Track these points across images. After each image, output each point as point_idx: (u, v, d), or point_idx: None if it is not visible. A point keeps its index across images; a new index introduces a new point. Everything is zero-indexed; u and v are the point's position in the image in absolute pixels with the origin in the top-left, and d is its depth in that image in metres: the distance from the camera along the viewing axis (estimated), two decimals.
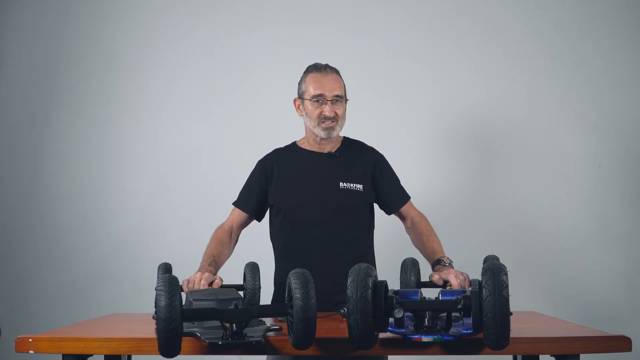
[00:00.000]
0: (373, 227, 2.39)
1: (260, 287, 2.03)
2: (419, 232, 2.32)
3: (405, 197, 2.39)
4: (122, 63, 3.34)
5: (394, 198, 2.38)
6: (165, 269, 2.13)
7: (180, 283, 2.00)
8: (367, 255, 2.35)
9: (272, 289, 2.34)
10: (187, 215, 3.25)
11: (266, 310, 1.62)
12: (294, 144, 2.42)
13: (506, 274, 1.46)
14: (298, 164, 2.35)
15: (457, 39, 3.25)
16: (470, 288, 1.54)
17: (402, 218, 2.40)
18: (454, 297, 1.56)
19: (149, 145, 3.31)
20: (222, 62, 3.31)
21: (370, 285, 1.49)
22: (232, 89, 3.30)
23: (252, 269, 2.05)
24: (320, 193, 2.29)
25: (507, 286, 1.44)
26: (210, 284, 1.99)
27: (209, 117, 3.31)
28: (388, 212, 2.41)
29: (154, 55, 3.33)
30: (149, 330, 1.76)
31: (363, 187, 2.31)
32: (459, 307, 1.53)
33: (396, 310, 1.51)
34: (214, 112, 3.31)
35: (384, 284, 1.56)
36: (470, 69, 3.24)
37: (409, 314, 1.61)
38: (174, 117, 3.32)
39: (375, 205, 2.40)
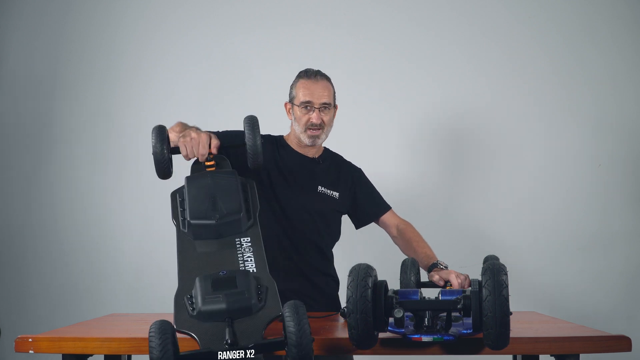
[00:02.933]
0: (338, 238, 2.43)
1: (262, 144, 1.92)
2: (408, 239, 2.34)
3: (386, 206, 2.44)
4: (122, 63, 3.33)
5: (374, 207, 2.42)
6: (159, 131, 1.98)
7: (177, 143, 1.96)
8: (330, 260, 2.39)
9: None
10: None
11: (262, 349, 1.56)
12: (282, 137, 2.45)
13: (506, 274, 1.46)
14: (282, 159, 2.37)
15: (456, 38, 3.24)
16: (470, 288, 1.54)
17: (386, 227, 2.43)
18: (454, 297, 1.56)
19: (148, 145, 3.30)
20: (224, 65, 3.31)
21: (370, 285, 1.49)
22: (233, 91, 3.30)
23: (252, 125, 1.92)
24: (298, 192, 2.32)
25: (507, 286, 1.44)
26: (211, 165, 1.93)
27: (213, 118, 3.29)
28: (361, 223, 2.43)
29: (155, 57, 3.33)
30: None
31: (339, 195, 2.36)
32: (458, 306, 1.53)
33: (396, 310, 1.51)
34: (214, 112, 3.30)
35: (383, 283, 1.56)
36: (469, 69, 3.23)
37: (408, 313, 1.61)
38: (178, 117, 3.29)
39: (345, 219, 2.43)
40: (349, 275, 1.52)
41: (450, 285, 2.03)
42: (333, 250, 2.42)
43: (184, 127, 2.13)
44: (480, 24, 3.25)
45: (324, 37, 3.25)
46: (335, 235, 2.42)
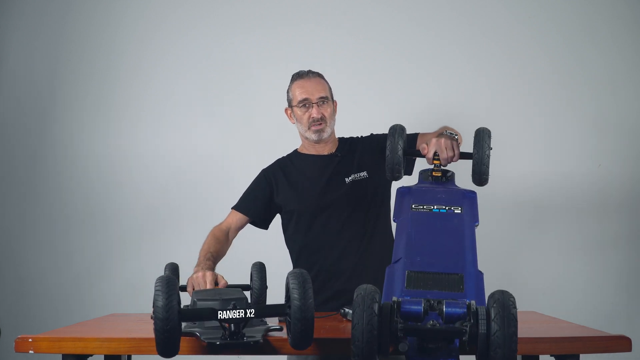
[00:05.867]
0: (389, 211, 2.37)
1: (266, 287, 2.03)
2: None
3: (412, 136, 2.31)
4: (122, 63, 3.33)
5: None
6: (172, 269, 2.13)
7: (185, 283, 2.02)
8: (385, 243, 2.33)
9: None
10: (188, 216, 3.24)
11: (264, 311, 1.62)
12: (295, 151, 2.48)
13: (515, 318, 1.37)
14: (303, 169, 2.40)
15: (456, 38, 3.24)
16: (477, 310, 1.47)
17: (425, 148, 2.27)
18: (459, 310, 1.48)
19: (150, 146, 3.31)
20: (224, 65, 3.31)
21: (376, 312, 1.43)
22: (233, 91, 3.30)
23: (259, 269, 2.04)
24: (328, 191, 2.33)
25: (516, 331, 1.38)
26: (216, 284, 1.99)
27: (213, 118, 3.31)
28: (410, 169, 2.34)
29: (155, 57, 3.33)
30: (149, 330, 1.76)
31: (367, 172, 2.35)
32: (464, 338, 1.46)
33: (401, 345, 1.45)
34: (217, 113, 3.30)
35: (389, 307, 1.49)
36: (469, 69, 3.23)
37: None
38: (178, 116, 3.31)
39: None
40: (352, 309, 1.42)
41: (438, 157, 1.98)
42: None
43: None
44: (480, 24, 3.25)
45: (324, 37, 3.25)
46: (385, 210, 2.38)
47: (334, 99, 2.41)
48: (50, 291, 3.27)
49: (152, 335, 1.50)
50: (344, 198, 2.32)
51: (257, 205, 2.39)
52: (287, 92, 2.40)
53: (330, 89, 2.39)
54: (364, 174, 2.35)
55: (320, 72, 2.39)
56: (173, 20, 3.34)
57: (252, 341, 1.56)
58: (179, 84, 3.31)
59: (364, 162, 2.38)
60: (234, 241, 2.39)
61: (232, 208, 2.41)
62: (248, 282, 2.07)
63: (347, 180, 2.34)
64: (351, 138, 2.49)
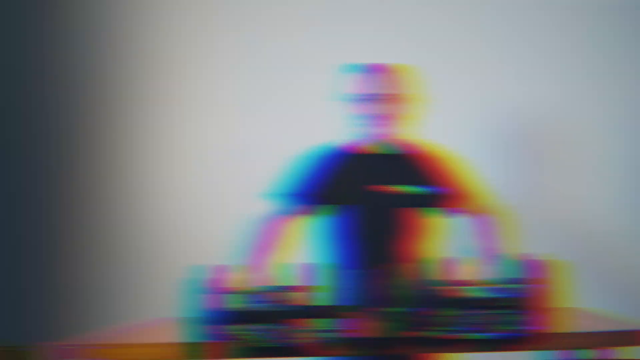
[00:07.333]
0: None
1: None
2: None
3: None
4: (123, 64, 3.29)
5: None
6: (194, 271, 2.04)
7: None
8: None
9: None
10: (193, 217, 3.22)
11: None
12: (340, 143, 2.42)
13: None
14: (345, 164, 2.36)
15: (484, 36, 3.25)
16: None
17: None
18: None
19: (162, 145, 3.28)
20: (248, 62, 3.28)
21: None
22: (233, 89, 3.28)
23: None
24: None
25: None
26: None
27: (218, 116, 3.28)
28: None
29: (159, 56, 3.30)
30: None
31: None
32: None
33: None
34: (221, 112, 3.27)
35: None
36: (470, 69, 3.24)
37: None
38: (180, 115, 3.29)
39: None
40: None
41: None
42: None
43: None
44: (479, 23, 3.26)
45: (328, 37, 3.24)
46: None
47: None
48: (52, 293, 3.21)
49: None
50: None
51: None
52: (345, 81, 2.35)
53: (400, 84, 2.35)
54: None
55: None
56: (174, 20, 3.30)
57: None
58: (183, 82, 3.27)
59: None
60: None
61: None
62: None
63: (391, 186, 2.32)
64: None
